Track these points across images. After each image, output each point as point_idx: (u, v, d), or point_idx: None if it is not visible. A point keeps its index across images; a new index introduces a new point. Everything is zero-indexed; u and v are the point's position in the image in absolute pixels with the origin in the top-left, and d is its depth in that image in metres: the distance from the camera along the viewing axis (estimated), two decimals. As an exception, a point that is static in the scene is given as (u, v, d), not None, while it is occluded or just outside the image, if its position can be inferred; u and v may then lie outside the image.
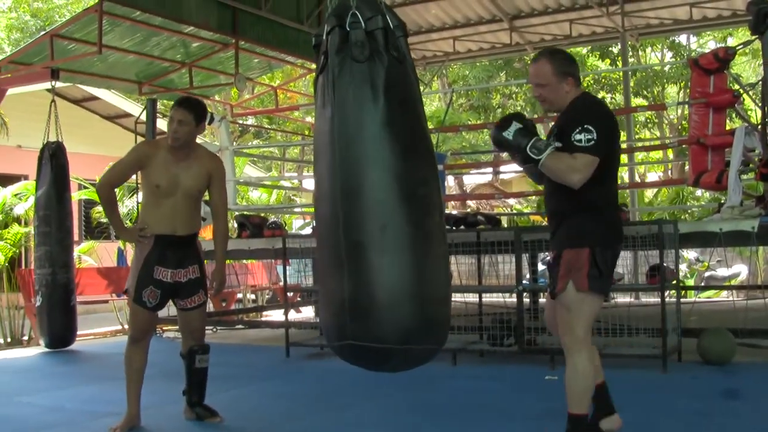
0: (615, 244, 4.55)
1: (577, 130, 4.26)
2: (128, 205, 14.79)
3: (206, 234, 7.50)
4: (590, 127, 4.26)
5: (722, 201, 9.43)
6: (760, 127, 8.84)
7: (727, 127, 9.57)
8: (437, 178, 3.91)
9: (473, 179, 26.26)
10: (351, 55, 3.70)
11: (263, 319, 14.27)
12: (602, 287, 4.47)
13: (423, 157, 3.80)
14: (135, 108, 18.79)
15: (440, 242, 3.81)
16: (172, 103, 5.86)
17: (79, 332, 11.08)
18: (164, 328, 11.51)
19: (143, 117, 11.84)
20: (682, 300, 8.63)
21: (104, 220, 13.02)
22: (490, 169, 20.87)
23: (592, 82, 26.24)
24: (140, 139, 11.54)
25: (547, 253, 10.75)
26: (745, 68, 27.31)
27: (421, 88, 17.56)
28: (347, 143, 3.66)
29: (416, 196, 3.68)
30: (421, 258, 3.64)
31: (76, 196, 13.96)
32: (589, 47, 23.89)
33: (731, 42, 25.15)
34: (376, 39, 3.74)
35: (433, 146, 4.01)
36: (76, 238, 15.29)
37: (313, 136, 4.02)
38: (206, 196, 6.03)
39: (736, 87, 9.64)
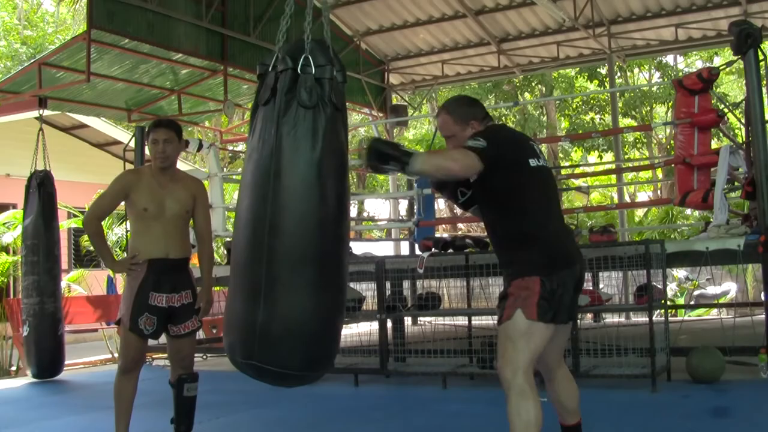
0: (560, 270, 4.32)
1: (470, 140, 4.26)
2: (117, 232, 14.78)
3: (194, 261, 7.49)
4: (480, 138, 4.25)
5: (710, 220, 9.46)
6: (744, 146, 8.89)
7: (713, 146, 9.63)
8: (348, 223, 4.19)
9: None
10: (299, 99, 3.87)
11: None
12: (552, 317, 4.24)
13: (344, 205, 4.06)
14: (124, 135, 18.83)
15: (345, 284, 4.15)
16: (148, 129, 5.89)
17: (68, 361, 11.04)
18: (153, 356, 11.47)
19: (132, 144, 11.86)
20: (671, 319, 8.64)
21: (93, 248, 13.02)
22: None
23: (581, 103, 26.39)
24: (129, 166, 11.55)
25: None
26: (733, 87, 27.48)
27: (410, 111, 17.74)
28: (283, 183, 3.85)
29: (335, 241, 3.99)
30: (329, 298, 3.97)
31: (65, 224, 13.95)
32: (577, 69, 24.00)
33: (718, 61, 25.31)
34: (323, 87, 3.91)
35: (348, 195, 4.22)
36: (65, 266, 15.29)
37: (245, 161, 4.14)
38: (191, 223, 6.03)
39: (721, 107, 9.70)
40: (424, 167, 4.18)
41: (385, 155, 4.15)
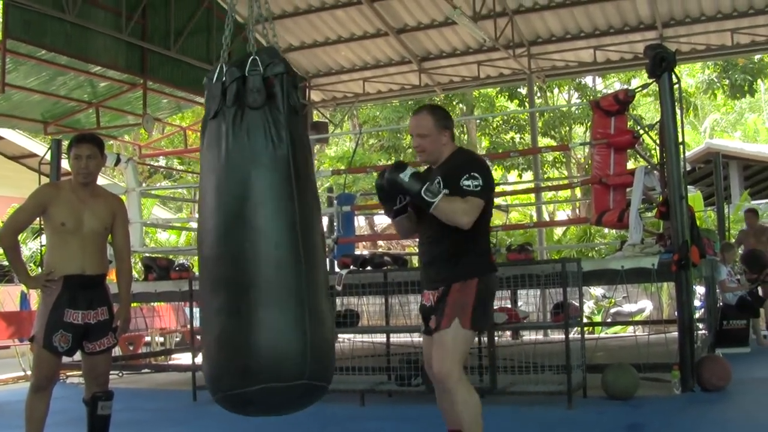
0: (495, 284, 4.87)
1: (465, 177, 4.58)
2: (32, 247, 14.50)
3: (112, 277, 7.36)
4: (476, 175, 4.61)
5: (626, 239, 9.61)
6: (659, 166, 9.06)
7: (629, 167, 9.79)
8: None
9: (384, 219, 26.37)
10: (292, 103, 4.01)
11: (171, 362, 14.05)
12: (483, 324, 4.78)
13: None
14: (41, 148, 18.49)
15: None
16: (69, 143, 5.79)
17: (-22, 379, 10.78)
18: (67, 373, 11.24)
19: (48, 157, 11.65)
20: (588, 336, 8.72)
21: (5, 263, 12.73)
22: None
23: (501, 122, 26.64)
24: (45, 179, 11.33)
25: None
26: (650, 109, 28.03)
27: (331, 128, 17.72)
28: (306, 184, 4.03)
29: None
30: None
31: (-23, 238, 13.62)
32: (498, 88, 24.24)
33: (635, 83, 25.78)
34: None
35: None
36: (-24, 281, 14.94)
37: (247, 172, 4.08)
38: (109, 238, 5.94)
39: (637, 128, 9.87)
40: (440, 207, 4.54)
41: (416, 185, 4.54)
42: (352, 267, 9.39)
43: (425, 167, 5.00)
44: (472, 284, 4.63)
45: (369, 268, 9.45)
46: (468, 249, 4.68)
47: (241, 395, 3.83)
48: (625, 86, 24.94)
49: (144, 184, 19.29)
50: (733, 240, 14.31)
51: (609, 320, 17.55)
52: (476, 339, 7.86)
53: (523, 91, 23.55)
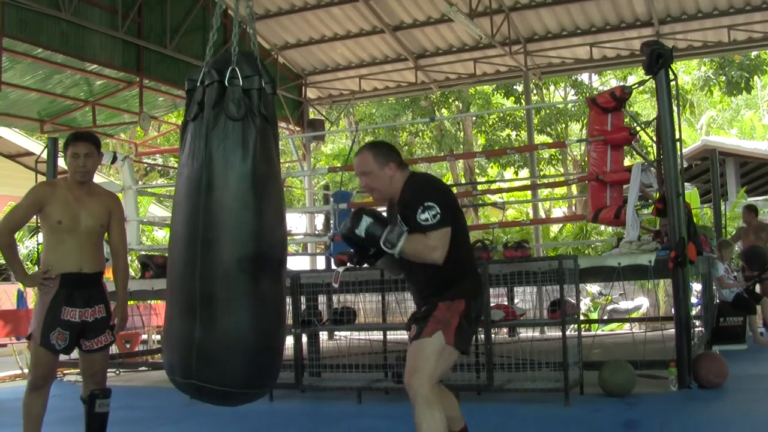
0: (480, 302, 4.71)
1: (420, 210, 4.37)
2: (29, 245, 14.48)
3: (109, 275, 7.35)
4: (430, 204, 4.38)
5: (623, 236, 9.60)
6: (656, 163, 9.05)
7: (626, 164, 9.78)
8: (285, 233, 4.40)
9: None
10: (227, 112, 3.96)
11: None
12: (465, 345, 4.54)
13: (278, 215, 4.21)
14: (37, 146, 18.49)
15: (283, 295, 4.31)
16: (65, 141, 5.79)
17: (-25, 377, 10.76)
18: (65, 371, 11.24)
19: (45, 155, 11.64)
20: (585, 333, 8.71)
21: (2, 261, 12.71)
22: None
23: (497, 119, 26.63)
24: (41, 178, 11.32)
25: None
26: (646, 106, 28.02)
27: (328, 125, 17.69)
28: (214, 197, 3.98)
29: (271, 252, 4.13)
30: (268, 311, 4.12)
31: (-26, 236, 13.61)
32: (494, 85, 24.24)
33: (632, 80, 25.77)
34: (252, 98, 4.07)
35: (283, 205, 4.40)
36: (-27, 280, 14.94)
37: (177, 177, 4.28)
38: (106, 236, 5.93)
39: (634, 125, 9.86)
40: (405, 251, 4.37)
41: (374, 237, 4.37)
42: (348, 264, 9.38)
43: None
44: (459, 304, 4.48)
45: (366, 265, 9.43)
46: (453, 275, 4.53)
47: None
48: (622, 83, 24.94)
49: (140, 182, 19.29)
50: (729, 237, 14.30)
51: (605, 317, 17.55)
52: (473, 337, 7.88)
53: (519, 88, 23.60)
